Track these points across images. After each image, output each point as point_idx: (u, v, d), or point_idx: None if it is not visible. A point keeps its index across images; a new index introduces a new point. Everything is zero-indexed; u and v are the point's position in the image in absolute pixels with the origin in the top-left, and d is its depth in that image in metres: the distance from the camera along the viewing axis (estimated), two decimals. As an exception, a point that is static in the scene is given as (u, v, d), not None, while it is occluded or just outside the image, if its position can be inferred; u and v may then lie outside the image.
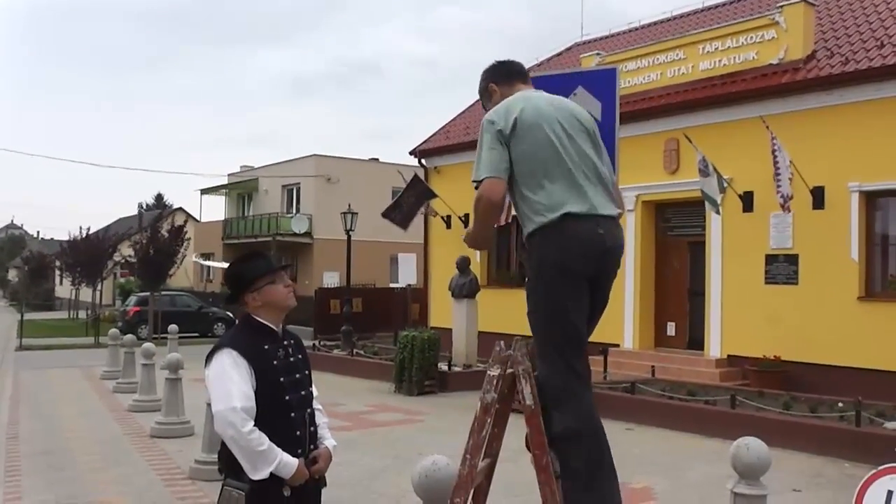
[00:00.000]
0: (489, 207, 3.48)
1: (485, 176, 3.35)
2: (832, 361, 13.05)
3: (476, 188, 3.38)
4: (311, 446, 3.36)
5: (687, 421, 10.68)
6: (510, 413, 3.25)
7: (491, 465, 3.31)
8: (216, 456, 6.51)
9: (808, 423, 9.71)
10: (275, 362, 3.26)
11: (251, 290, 3.32)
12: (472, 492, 3.02)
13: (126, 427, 10.86)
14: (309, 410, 3.37)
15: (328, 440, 3.46)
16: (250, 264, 3.40)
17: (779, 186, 13.06)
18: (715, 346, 15.00)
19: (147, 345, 12.52)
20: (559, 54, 23.39)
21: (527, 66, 3.62)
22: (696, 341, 15.71)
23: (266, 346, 3.27)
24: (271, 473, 3.11)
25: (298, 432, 3.28)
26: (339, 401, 12.77)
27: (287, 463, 3.15)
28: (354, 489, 7.33)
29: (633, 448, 9.78)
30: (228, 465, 3.22)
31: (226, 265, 3.83)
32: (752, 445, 4.38)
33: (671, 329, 16.45)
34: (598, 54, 17.57)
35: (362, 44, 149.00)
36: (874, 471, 4.72)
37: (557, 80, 3.51)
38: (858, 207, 13.31)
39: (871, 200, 13.43)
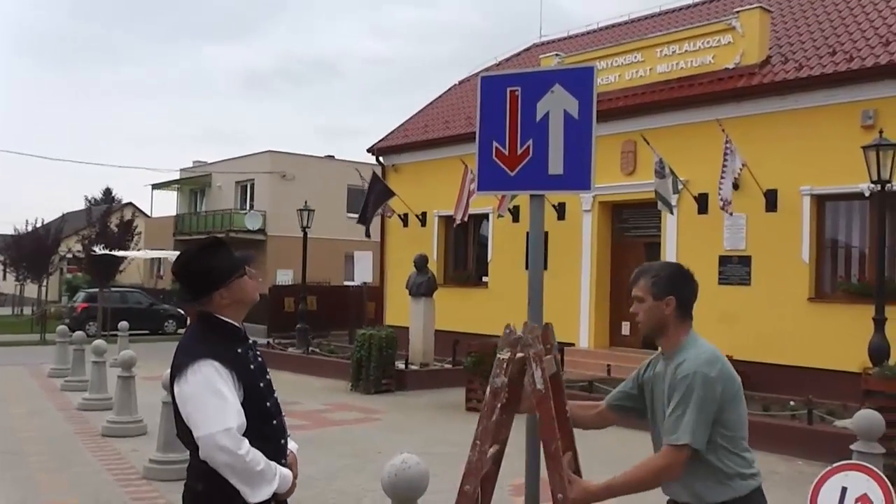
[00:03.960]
0: (666, 479, 3.01)
1: (685, 443, 2.86)
2: (784, 361, 13.31)
3: (670, 445, 2.90)
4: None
5: (643, 419, 10.78)
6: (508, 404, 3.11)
7: (499, 451, 3.22)
8: (171, 456, 6.42)
9: (762, 421, 9.86)
10: (252, 366, 2.95)
11: (221, 286, 2.95)
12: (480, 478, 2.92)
13: (77, 426, 10.60)
14: (283, 415, 3.12)
15: (290, 443, 3.19)
16: (219, 258, 3.00)
17: (720, 189, 13.29)
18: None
19: (98, 342, 12.23)
20: (518, 55, 23.48)
21: (485, 66, 3.59)
22: (650, 340, 15.85)
23: (238, 350, 2.94)
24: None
25: (282, 440, 3.04)
26: (296, 399, 12.63)
27: (285, 476, 2.91)
28: (313, 488, 7.24)
29: (590, 446, 9.82)
30: (215, 489, 2.80)
31: (172, 254, 3.29)
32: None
33: (626, 328, 16.62)
34: (557, 55, 17.69)
35: (316, 41, 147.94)
36: (828, 468, 4.80)
37: (535, 77, 3.48)
38: (810, 211, 13.60)
39: (822, 204, 13.73)
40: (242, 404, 2.83)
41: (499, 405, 2.99)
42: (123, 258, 26.12)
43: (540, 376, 2.93)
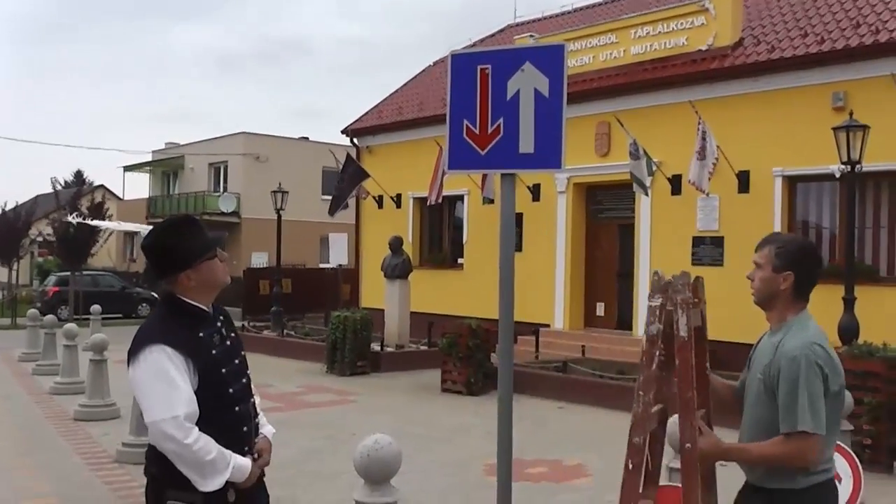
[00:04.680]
0: (799, 465, 2.83)
1: (805, 430, 2.74)
2: (756, 340, 13.43)
3: (785, 434, 2.78)
4: (255, 439, 2.99)
5: (618, 399, 10.84)
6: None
7: (664, 410, 3.11)
8: (144, 439, 6.24)
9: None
10: (213, 351, 2.81)
11: (188, 267, 2.83)
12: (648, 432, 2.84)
13: (48, 410, 10.49)
14: (252, 400, 2.99)
15: (266, 427, 3.10)
16: (189, 237, 2.87)
17: (700, 170, 13.37)
18: (643, 326, 15.25)
19: (69, 325, 12.11)
20: (492, 35, 23.39)
21: (460, 46, 3.57)
22: (624, 321, 15.99)
23: (200, 334, 2.81)
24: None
25: (245, 427, 2.91)
26: (270, 382, 12.60)
27: (240, 466, 2.79)
28: (288, 470, 7.22)
29: (565, 426, 9.92)
30: (165, 474, 2.75)
31: (146, 227, 3.11)
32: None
33: (600, 309, 16.71)
34: (531, 36, 17.63)
35: (287, 21, 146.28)
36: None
37: (505, 55, 3.47)
38: (781, 192, 13.71)
39: (794, 185, 13.85)
40: (199, 391, 2.75)
41: (656, 353, 2.90)
42: (95, 240, 25.77)
43: (685, 324, 2.84)
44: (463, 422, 10.08)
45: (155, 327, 2.82)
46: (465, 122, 3.50)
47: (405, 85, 23.39)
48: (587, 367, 12.43)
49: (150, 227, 3.06)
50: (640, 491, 2.95)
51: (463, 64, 3.50)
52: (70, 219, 24.53)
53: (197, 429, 2.69)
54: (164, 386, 2.68)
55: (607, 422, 10.17)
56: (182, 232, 2.89)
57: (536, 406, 11.02)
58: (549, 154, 3.40)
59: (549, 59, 3.38)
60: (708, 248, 14.50)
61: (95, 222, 23.95)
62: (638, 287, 15.46)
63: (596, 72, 16.38)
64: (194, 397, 2.72)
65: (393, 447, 3.59)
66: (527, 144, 3.41)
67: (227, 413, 2.83)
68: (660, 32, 15.63)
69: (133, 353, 2.77)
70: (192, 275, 2.84)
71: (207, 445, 2.69)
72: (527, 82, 3.39)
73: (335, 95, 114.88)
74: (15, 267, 32.90)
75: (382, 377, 13.81)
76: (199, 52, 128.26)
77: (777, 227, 13.65)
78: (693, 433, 2.80)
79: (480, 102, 3.46)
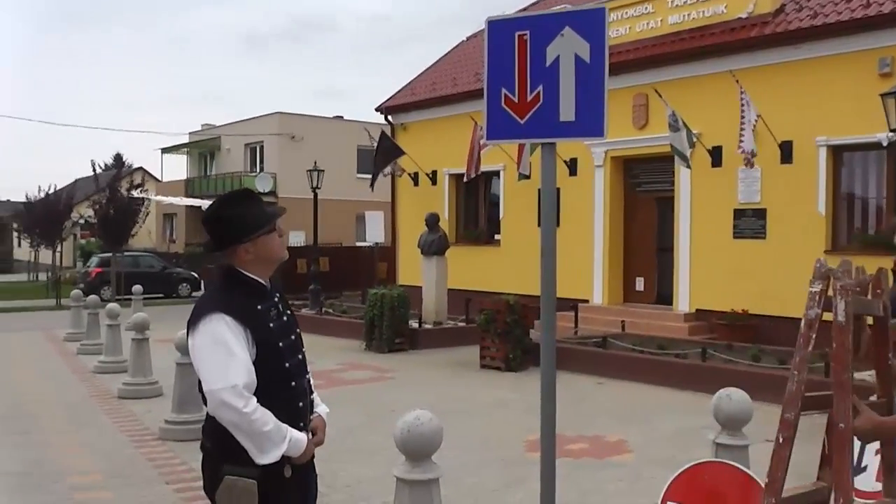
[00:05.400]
0: None
1: None
2: (799, 314, 13.08)
3: None
4: (310, 417, 3.01)
5: (658, 374, 10.75)
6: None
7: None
8: (186, 416, 6.39)
9: (778, 374, 9.79)
10: (270, 324, 2.84)
11: (246, 240, 2.84)
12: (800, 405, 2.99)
13: (92, 389, 10.66)
14: (307, 376, 3.03)
15: (321, 406, 3.14)
16: (249, 210, 2.87)
17: (741, 141, 13.09)
18: (683, 301, 15.10)
19: (112, 305, 12.27)
20: (526, 8, 23.09)
21: (495, 14, 3.46)
22: (664, 296, 15.79)
23: (259, 306, 2.83)
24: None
25: (301, 403, 2.93)
26: (309, 359, 12.55)
27: (297, 440, 2.80)
28: (329, 447, 7.12)
29: (605, 402, 9.84)
30: (222, 447, 2.77)
31: (186, 202, 3.15)
32: (734, 395, 4.37)
33: (640, 284, 16.52)
34: (566, 8, 17.34)
35: (315, 0, 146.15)
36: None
37: (544, 20, 3.35)
38: (826, 162, 13.37)
39: (838, 155, 13.49)
40: (256, 362, 2.76)
41: (813, 336, 3.00)
42: (135, 221, 26.05)
43: (843, 309, 2.95)
44: (502, 397, 10.04)
45: (215, 298, 2.86)
46: (504, 90, 3.40)
47: (439, 61, 23.20)
48: (626, 342, 12.31)
49: (210, 201, 3.04)
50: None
51: (500, 30, 3.40)
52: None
53: (255, 399, 2.69)
54: (223, 354, 2.69)
55: (647, 397, 10.07)
56: (241, 204, 2.90)
57: (576, 381, 10.93)
58: (591, 122, 3.30)
59: (590, 23, 3.26)
60: (750, 221, 14.22)
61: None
62: (678, 261, 15.24)
63: (632, 42, 16.08)
64: (253, 367, 2.73)
65: (434, 423, 3.55)
66: (567, 112, 3.31)
67: (283, 387, 2.84)
68: (697, 1, 15.27)
69: (193, 322, 2.79)
70: (251, 248, 2.84)
71: (265, 416, 2.70)
72: (567, 48, 3.28)
73: (362, 73, 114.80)
74: (58, 249, 33.50)
75: (421, 354, 13.81)
76: (227, 33, 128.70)
77: (821, 199, 13.36)
78: (846, 414, 2.86)
79: (519, 70, 3.36)
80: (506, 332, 12.08)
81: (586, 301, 16.34)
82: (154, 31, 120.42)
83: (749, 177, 14.12)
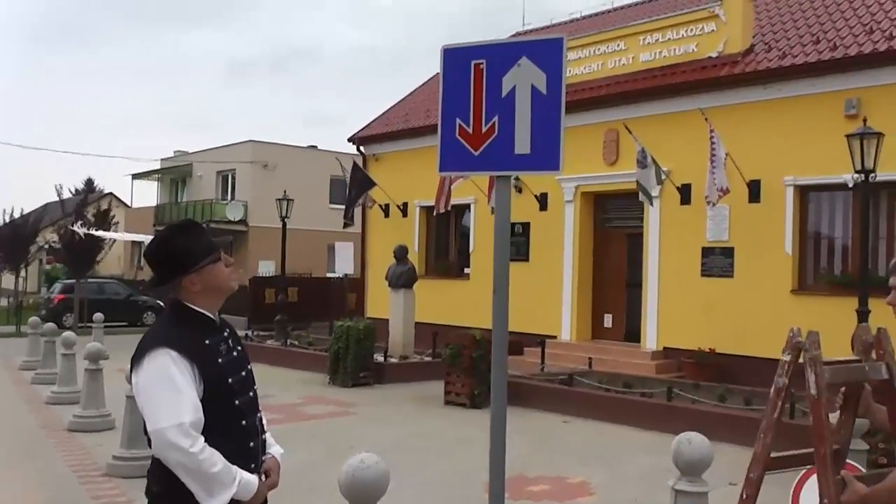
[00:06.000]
0: None
1: None
2: (766, 354, 13.08)
3: None
4: (262, 458, 2.87)
5: (624, 413, 10.61)
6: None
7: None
8: (135, 452, 6.07)
9: (743, 415, 9.72)
10: (220, 360, 2.70)
11: (191, 271, 2.73)
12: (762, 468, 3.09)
13: (42, 420, 10.31)
14: (259, 414, 2.87)
15: (275, 447, 3.00)
16: (192, 240, 2.77)
17: (714, 179, 13.12)
18: (651, 339, 15.03)
19: (67, 333, 11.94)
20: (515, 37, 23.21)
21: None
22: (632, 333, 15.72)
23: (207, 341, 2.70)
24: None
25: (252, 443, 2.78)
26: (270, 392, 12.35)
27: (247, 482, 2.65)
28: (282, 484, 6.97)
29: (569, 441, 9.67)
30: (169, 492, 2.61)
31: (128, 237, 3.01)
32: (693, 440, 4.23)
33: (608, 321, 16.44)
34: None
35: (298, 28, 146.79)
36: (809, 467, 4.63)
37: (500, 49, 3.25)
38: (793, 202, 13.44)
39: (805, 195, 13.58)
40: (204, 400, 2.62)
41: (780, 402, 3.11)
42: (101, 247, 25.66)
43: (814, 381, 2.96)
44: (466, 435, 9.83)
45: (160, 332, 2.73)
46: (458, 120, 3.28)
47: (412, 93, 23.24)
48: (593, 379, 12.18)
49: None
50: None
51: (456, 58, 3.29)
52: (74, 228, 24.45)
53: (203, 438, 2.56)
54: (168, 392, 2.56)
55: (613, 437, 9.92)
56: (184, 235, 2.80)
57: (541, 419, 10.77)
58: (546, 155, 3.18)
59: (548, 53, 3.16)
60: (718, 259, 14.23)
61: (99, 233, 23.86)
62: (646, 298, 15.19)
63: (604, 78, 16.17)
64: (200, 405, 2.59)
65: (380, 467, 3.35)
66: (523, 145, 3.19)
67: (233, 426, 2.71)
68: (669, 39, 15.41)
69: (136, 358, 2.66)
70: (197, 279, 2.74)
71: (213, 457, 2.56)
72: (523, 78, 3.17)
73: (344, 102, 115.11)
74: (23, 274, 32.90)
75: (385, 388, 13.57)
76: (210, 59, 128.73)
77: (788, 239, 13.40)
78: (828, 487, 2.90)
79: (474, 100, 3.24)
80: (471, 368, 11.90)
81: (554, 337, 16.22)
82: (135, 54, 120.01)
83: (717, 215, 14.15)
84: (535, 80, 3.17)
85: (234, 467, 2.63)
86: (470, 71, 3.25)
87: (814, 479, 4.62)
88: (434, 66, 24.99)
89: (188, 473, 2.55)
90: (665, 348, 14.70)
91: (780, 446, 9.00)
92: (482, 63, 3.23)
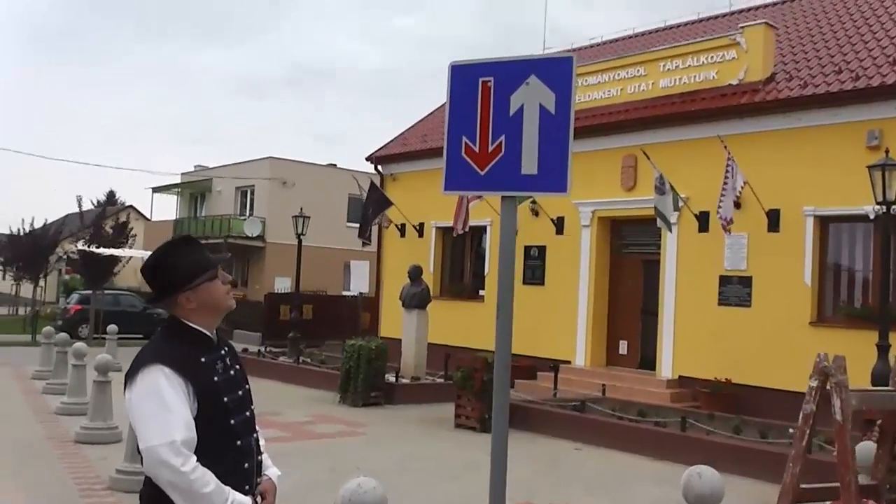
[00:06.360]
0: None
1: None
2: (783, 386, 12.90)
3: None
4: (258, 479, 2.81)
5: (636, 442, 10.44)
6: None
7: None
8: (139, 466, 5.90)
9: (759, 448, 9.53)
10: (215, 378, 2.66)
11: (186, 288, 2.70)
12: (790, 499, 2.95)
13: (49, 430, 10.28)
14: (255, 435, 2.82)
15: (272, 469, 2.93)
16: (188, 257, 2.74)
17: (720, 207, 12.99)
18: (666, 367, 14.83)
19: (78, 344, 11.93)
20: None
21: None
22: (648, 361, 15.53)
23: (203, 359, 2.66)
24: None
25: (247, 464, 2.73)
26: (279, 410, 12.31)
27: (239, 503, 2.60)
28: (284, 505, 6.89)
29: (580, 469, 9.51)
30: None
31: (137, 254, 2.99)
32: (704, 474, 4.09)
33: (623, 348, 16.26)
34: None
35: (315, 48, 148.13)
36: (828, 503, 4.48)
37: (508, 68, 3.18)
38: (813, 232, 13.26)
39: (826, 225, 13.39)
40: (198, 418, 2.57)
41: (808, 430, 2.96)
42: (118, 260, 25.81)
43: (839, 407, 2.87)
44: (474, 459, 9.67)
45: (154, 349, 2.68)
46: (465, 138, 3.21)
47: (430, 113, 23.27)
48: (606, 406, 12.00)
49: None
50: None
51: (463, 75, 3.22)
52: (82, 247, 24.64)
53: (195, 457, 2.51)
54: (160, 409, 2.51)
55: (624, 465, 9.75)
56: (180, 252, 2.77)
57: (552, 446, 10.61)
58: (553, 176, 3.10)
59: (557, 72, 3.09)
60: (735, 288, 14.05)
61: (109, 251, 24.02)
62: (662, 326, 15.01)
63: (623, 104, 16.10)
64: (193, 423, 2.55)
65: (377, 492, 3.24)
66: (530, 165, 3.12)
67: (227, 446, 2.66)
68: (689, 66, 15.33)
69: (130, 374, 2.62)
70: (193, 296, 2.71)
71: (205, 476, 2.51)
72: (531, 97, 3.10)
73: (362, 122, 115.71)
74: (41, 284, 33.14)
75: (395, 409, 13.45)
76: (228, 78, 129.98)
77: (808, 269, 13.21)
78: None
79: (481, 118, 3.17)
80: (482, 391, 11.76)
81: (568, 362, 16.06)
82: (157, 71, 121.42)
83: (736, 243, 13.99)
84: (544, 100, 3.09)
85: (227, 488, 2.57)
86: (477, 88, 3.19)
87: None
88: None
89: (179, 493, 2.49)
90: (680, 377, 14.50)
91: (806, 482, 8.78)
92: (490, 80, 3.17)
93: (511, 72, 3.15)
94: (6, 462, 8.46)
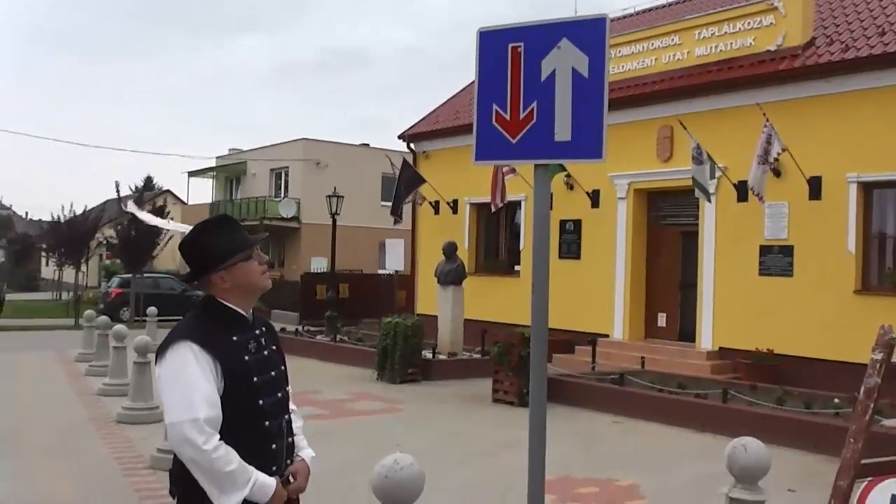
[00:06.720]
0: None
1: None
2: (827, 356, 12.70)
3: None
4: (288, 461, 2.77)
5: (677, 415, 10.32)
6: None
7: None
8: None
9: (803, 419, 9.35)
10: (246, 357, 2.64)
11: (220, 267, 2.69)
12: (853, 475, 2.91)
13: (92, 412, 10.42)
14: (286, 417, 2.78)
15: (305, 450, 2.89)
16: (223, 236, 2.73)
17: (752, 174, 12.71)
18: (706, 338, 14.63)
19: (119, 327, 12.08)
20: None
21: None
22: (687, 333, 15.33)
23: (235, 337, 2.65)
24: (244, 499, 2.52)
25: (275, 445, 2.69)
26: (318, 388, 12.38)
27: (263, 484, 2.56)
28: (323, 484, 6.82)
29: (620, 443, 9.43)
30: (185, 489, 2.58)
31: (182, 227, 2.97)
32: (749, 446, 4.00)
33: (662, 320, 16.07)
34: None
35: (347, 31, 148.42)
36: (870, 480, 4.34)
37: (538, 32, 3.08)
38: (856, 199, 12.92)
39: (869, 192, 13.05)
40: (225, 397, 2.55)
41: (871, 404, 2.95)
42: (157, 243, 26.15)
43: None
44: (512, 435, 9.63)
45: (186, 326, 2.69)
46: (495, 106, 3.12)
47: (462, 90, 23.08)
48: (646, 379, 11.87)
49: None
50: None
51: (492, 42, 3.12)
52: (128, 208, 24.92)
53: (218, 435, 2.51)
54: (186, 386, 2.52)
55: (665, 439, 9.64)
56: (216, 231, 2.76)
57: (590, 420, 10.53)
58: (588, 142, 3.00)
59: (589, 34, 2.97)
60: (776, 258, 13.78)
61: (155, 220, 24.29)
62: (702, 298, 14.79)
63: (658, 74, 15.80)
64: (218, 401, 2.54)
65: (414, 468, 3.21)
66: (563, 131, 3.01)
67: (254, 426, 2.64)
68: (725, 33, 14.97)
69: (161, 350, 2.64)
70: (227, 276, 2.71)
71: (228, 455, 2.50)
72: (563, 61, 2.99)
73: (394, 105, 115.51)
74: (83, 269, 33.71)
75: (433, 385, 13.46)
76: (261, 63, 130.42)
77: (851, 237, 12.90)
78: None
79: (511, 85, 3.07)
80: (520, 366, 11.70)
81: (606, 336, 15.92)
82: (192, 59, 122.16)
83: (776, 213, 13.71)
84: (577, 63, 2.99)
85: (251, 468, 2.55)
86: (507, 54, 3.09)
87: (882, 486, 4.36)
88: (485, 62, 24.52)
89: (200, 470, 2.50)
90: (720, 348, 14.30)
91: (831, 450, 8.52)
92: (520, 46, 3.06)
93: (541, 36, 3.04)
94: (52, 443, 8.60)
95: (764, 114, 12.88)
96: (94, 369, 13.77)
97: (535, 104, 3.04)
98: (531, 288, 3.17)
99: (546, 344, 3.21)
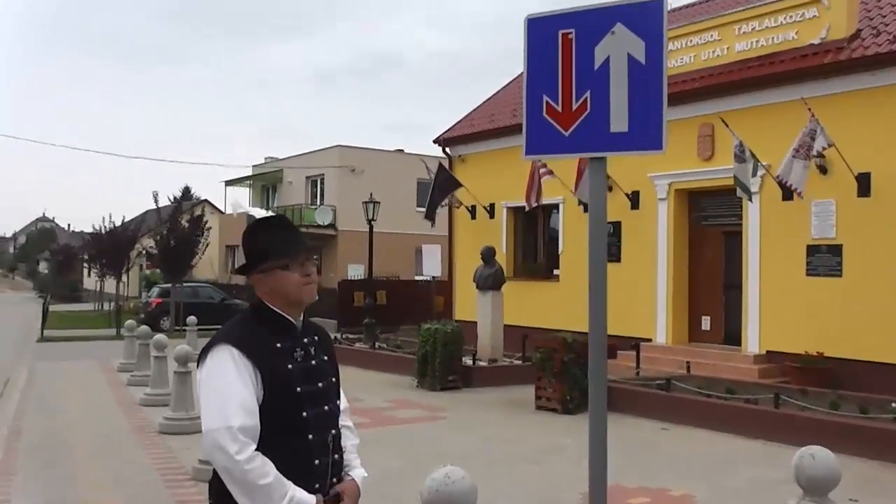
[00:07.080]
0: None
1: None
2: (880, 358, 12.29)
3: None
4: (334, 479, 2.60)
5: (727, 421, 10.01)
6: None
7: None
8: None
9: (860, 424, 9.01)
10: (290, 366, 2.49)
11: (259, 269, 2.56)
12: None
13: (134, 422, 10.41)
14: (333, 431, 2.61)
15: (357, 470, 2.73)
16: (269, 238, 2.57)
17: (792, 169, 12.31)
18: (753, 342, 14.27)
19: (159, 336, 12.09)
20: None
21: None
22: (732, 336, 14.97)
23: (279, 344, 2.50)
24: None
25: (318, 461, 2.53)
26: (359, 396, 12.24)
27: (301, 501, 2.40)
28: (366, 493, 6.74)
29: (669, 450, 9.16)
30: (217, 499, 2.48)
31: (261, 212, 2.75)
32: (817, 455, 3.76)
33: (706, 323, 15.72)
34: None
35: (382, 37, 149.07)
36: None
37: (591, 16, 2.91)
38: (908, 195, 12.52)
39: (922, 187, 12.63)
40: (264, 405, 2.41)
41: None
42: (195, 252, 26.34)
43: None
44: (557, 442, 9.43)
45: (228, 330, 2.57)
46: (546, 97, 2.95)
47: (497, 93, 22.92)
48: (692, 384, 11.57)
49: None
50: None
51: (541, 29, 2.95)
52: (184, 224, 25.14)
53: (254, 445, 2.38)
54: (222, 392, 2.40)
55: (715, 445, 9.35)
56: (264, 230, 2.61)
57: (637, 426, 10.27)
58: (647, 133, 2.82)
59: (646, 17, 2.80)
60: (824, 258, 13.39)
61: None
62: (747, 300, 14.44)
63: (697, 71, 15.50)
64: (256, 409, 2.41)
65: (466, 482, 3.02)
66: (619, 122, 2.84)
67: (296, 439, 2.48)
68: (766, 27, 14.63)
69: (202, 354, 2.53)
70: (264, 279, 2.57)
71: (264, 467, 2.37)
72: (618, 47, 2.81)
73: (429, 108, 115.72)
74: (124, 279, 34.08)
75: (474, 392, 13.27)
76: (297, 70, 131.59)
77: (903, 234, 12.48)
78: None
79: (563, 74, 2.90)
80: (563, 372, 11.48)
81: (649, 340, 15.62)
82: (226, 67, 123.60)
83: (823, 211, 13.33)
84: (633, 49, 2.81)
85: (288, 483, 2.40)
86: (557, 42, 2.92)
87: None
88: (518, 68, 24.43)
89: (233, 481, 2.36)
90: (768, 352, 13.93)
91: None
92: (571, 33, 2.89)
93: (594, 21, 2.87)
94: (95, 453, 8.57)
95: (809, 108, 12.54)
96: (136, 379, 13.81)
97: (588, 94, 2.87)
98: (589, 291, 2.98)
99: (605, 349, 3.02)
